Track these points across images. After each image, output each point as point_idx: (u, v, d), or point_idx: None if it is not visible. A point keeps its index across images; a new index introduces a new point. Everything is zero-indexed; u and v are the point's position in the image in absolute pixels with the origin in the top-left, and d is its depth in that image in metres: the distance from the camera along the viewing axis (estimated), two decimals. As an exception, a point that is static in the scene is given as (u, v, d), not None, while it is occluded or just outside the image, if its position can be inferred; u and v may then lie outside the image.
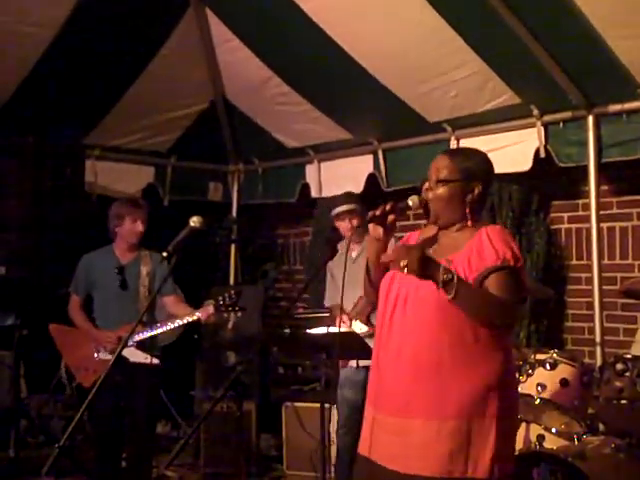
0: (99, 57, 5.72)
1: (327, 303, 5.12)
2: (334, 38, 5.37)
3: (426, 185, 2.84)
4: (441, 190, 2.80)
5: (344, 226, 5.00)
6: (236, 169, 7.34)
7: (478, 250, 2.71)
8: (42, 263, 5.93)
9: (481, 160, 2.91)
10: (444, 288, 2.57)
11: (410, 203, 2.81)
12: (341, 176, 6.42)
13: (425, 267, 2.57)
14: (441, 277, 2.57)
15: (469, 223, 2.81)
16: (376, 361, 2.85)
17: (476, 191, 2.81)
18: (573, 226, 5.63)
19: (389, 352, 2.77)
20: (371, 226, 2.82)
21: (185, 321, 4.84)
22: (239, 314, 4.88)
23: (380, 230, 2.81)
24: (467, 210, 2.80)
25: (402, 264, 2.56)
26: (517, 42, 4.73)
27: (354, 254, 4.92)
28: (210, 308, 4.81)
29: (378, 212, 2.78)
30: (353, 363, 4.86)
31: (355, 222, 4.93)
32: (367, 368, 4.73)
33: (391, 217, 2.79)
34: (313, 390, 5.82)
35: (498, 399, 2.67)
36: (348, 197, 5.16)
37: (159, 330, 4.83)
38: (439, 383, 2.66)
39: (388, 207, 2.78)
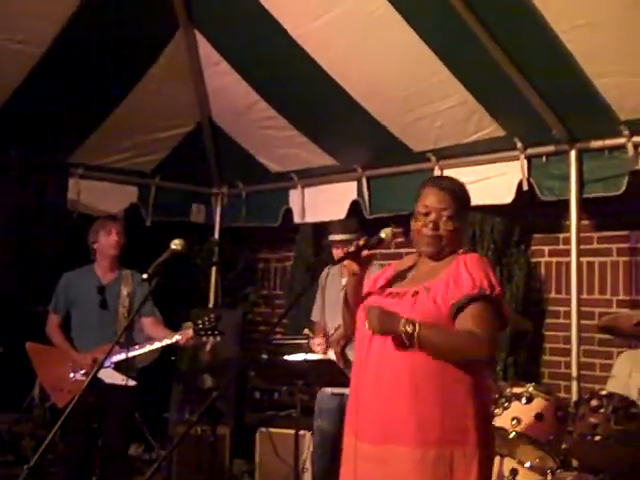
0: (86, 75, 5.72)
1: (313, 317, 5.11)
2: (322, 65, 5.40)
3: (432, 217, 2.83)
4: (454, 225, 2.84)
5: (338, 255, 4.97)
6: (220, 192, 7.34)
7: (455, 278, 2.72)
8: (20, 280, 5.88)
9: (463, 187, 3.01)
10: (407, 340, 2.62)
11: (383, 235, 2.88)
12: (324, 202, 6.44)
13: (384, 323, 2.65)
14: (402, 330, 2.63)
15: (459, 251, 2.85)
16: (355, 389, 2.85)
17: (466, 222, 2.93)
18: (553, 259, 5.64)
19: (367, 379, 2.77)
20: (347, 262, 2.85)
21: (164, 343, 4.82)
22: (218, 338, 4.86)
23: (355, 265, 2.86)
24: (457, 240, 2.87)
25: (366, 325, 2.66)
26: (503, 75, 4.77)
27: (344, 281, 4.92)
28: (190, 332, 4.79)
29: (352, 249, 2.83)
30: (328, 390, 4.84)
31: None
32: (342, 396, 4.78)
33: (365, 252, 2.84)
34: (289, 416, 5.79)
35: (479, 428, 2.68)
36: (345, 226, 5.10)
37: (137, 352, 4.80)
38: (420, 409, 2.66)
39: (361, 242, 2.84)
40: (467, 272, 2.72)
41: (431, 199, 2.86)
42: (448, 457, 2.62)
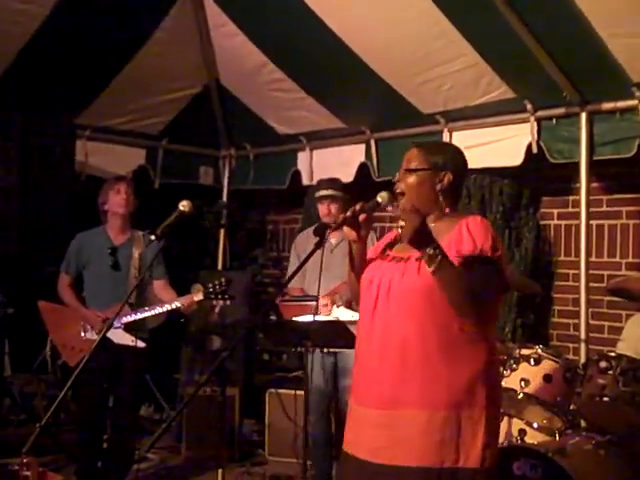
0: (93, 37, 5.67)
1: (291, 284, 5.10)
2: (331, 27, 5.36)
3: (396, 177, 2.86)
4: (410, 179, 2.83)
5: (323, 210, 5.02)
6: (228, 154, 7.32)
7: (457, 240, 2.71)
8: (28, 241, 5.90)
9: (452, 152, 2.96)
10: (427, 260, 2.58)
11: (379, 200, 2.83)
12: (333, 164, 6.41)
13: (419, 236, 2.57)
14: (428, 250, 2.58)
15: (444, 210, 2.83)
16: (360, 356, 2.84)
17: (446, 180, 2.82)
18: (562, 222, 5.65)
19: (372, 344, 2.76)
20: (345, 229, 2.83)
21: (165, 309, 4.83)
22: (228, 302, 4.88)
23: (354, 232, 2.83)
24: (440, 198, 2.83)
25: (400, 225, 2.58)
26: (513, 37, 4.73)
27: (333, 241, 4.94)
28: (192, 298, 4.80)
29: (349, 214, 2.79)
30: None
31: (333, 208, 4.96)
32: (335, 355, 4.80)
33: (362, 217, 2.80)
34: (297, 377, 5.84)
35: (486, 389, 2.68)
36: (331, 182, 5.17)
37: (146, 314, 4.82)
38: (428, 373, 2.65)
39: (358, 207, 2.79)
40: (469, 234, 2.71)
41: (405, 157, 2.89)
42: (455, 419, 2.63)
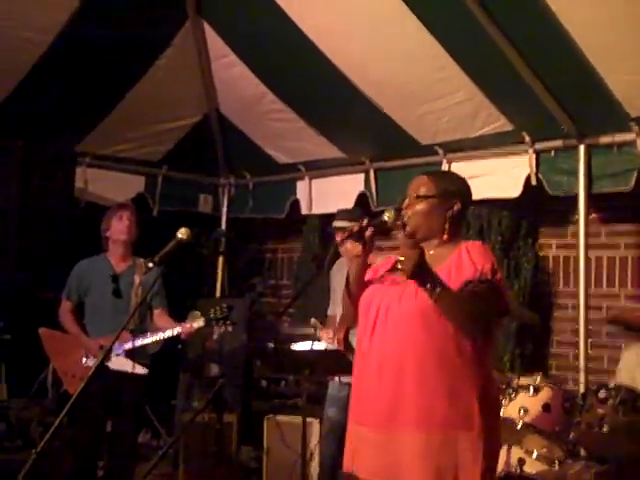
0: (95, 65, 5.72)
1: (330, 312, 5.13)
2: (330, 58, 5.41)
3: (405, 202, 2.88)
4: (420, 206, 2.85)
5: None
6: (227, 182, 7.34)
7: (457, 265, 2.74)
8: (27, 267, 5.90)
9: (459, 181, 3.02)
10: (428, 294, 2.62)
11: (386, 218, 2.85)
12: (332, 194, 6.45)
13: (419, 272, 2.59)
14: (427, 285, 2.61)
15: (445, 237, 2.86)
16: (357, 375, 2.86)
17: (455, 208, 2.88)
18: (561, 253, 5.68)
19: (371, 365, 2.78)
20: (349, 244, 2.86)
21: (167, 335, 4.85)
22: (229, 328, 4.88)
23: (359, 247, 2.85)
24: (446, 225, 2.86)
25: (398, 263, 2.59)
26: (511, 70, 4.78)
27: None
28: (191, 324, 4.81)
29: (355, 229, 2.83)
30: (337, 379, 4.87)
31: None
32: (350, 385, 4.80)
33: (368, 233, 2.82)
34: (295, 405, 5.82)
35: (483, 412, 2.69)
36: (349, 213, 5.15)
37: (147, 340, 4.83)
38: (424, 395, 2.67)
39: (364, 223, 2.83)
40: (469, 259, 2.75)
41: (412, 184, 2.92)
42: (452, 442, 2.63)
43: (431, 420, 2.65)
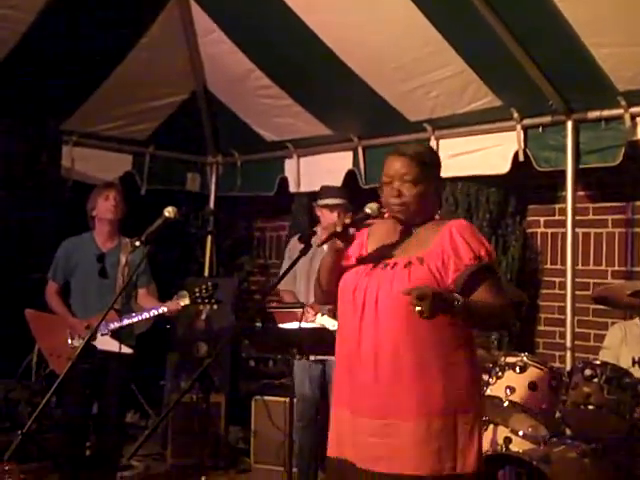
0: (80, 42, 5.65)
1: (281, 286, 5.09)
2: (318, 34, 5.36)
3: (392, 192, 2.80)
4: (414, 190, 2.79)
5: (330, 217, 4.95)
6: (215, 161, 7.31)
7: (454, 249, 2.70)
8: (12, 247, 5.87)
9: (430, 150, 3.01)
10: (456, 314, 2.62)
11: (369, 211, 2.82)
12: (320, 171, 6.41)
13: (439, 308, 2.55)
14: (452, 308, 2.59)
15: (437, 217, 2.85)
16: (346, 364, 2.81)
17: (440, 184, 2.88)
18: (549, 230, 5.67)
19: (363, 354, 2.74)
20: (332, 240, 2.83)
21: (151, 314, 4.82)
22: (215, 306, 4.87)
23: (340, 243, 2.83)
24: (431, 208, 2.85)
25: (417, 310, 2.52)
26: (500, 45, 4.74)
27: (325, 247, 4.92)
28: (176, 303, 4.80)
29: (339, 229, 2.78)
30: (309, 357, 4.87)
31: (333, 217, 4.91)
32: (323, 362, 4.79)
33: (352, 230, 2.80)
34: (283, 384, 5.83)
35: (477, 395, 2.73)
36: (333, 191, 5.13)
37: (133, 319, 4.81)
38: (423, 382, 2.66)
39: (347, 221, 2.79)
40: (464, 241, 2.71)
41: (392, 167, 2.83)
42: (452, 426, 2.65)
43: (430, 407, 2.65)
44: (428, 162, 2.85)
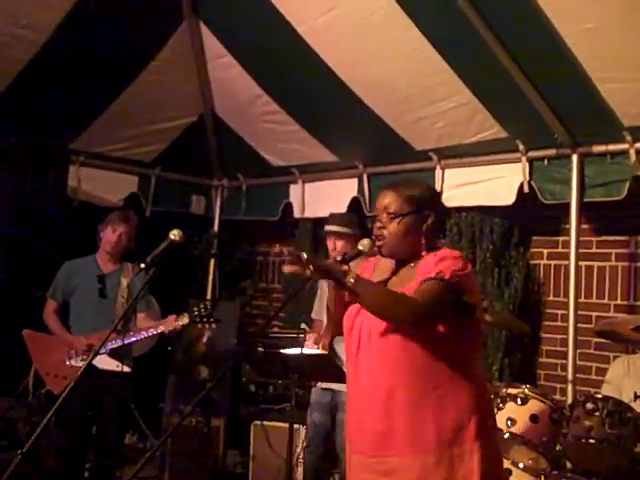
0: (90, 63, 5.70)
1: (313, 315, 5.12)
2: (326, 61, 5.41)
3: (378, 224, 2.83)
4: (395, 225, 2.80)
5: (329, 244, 4.98)
6: (220, 184, 7.34)
7: (424, 271, 2.72)
8: (14, 266, 5.88)
9: (425, 188, 2.96)
10: (341, 284, 2.67)
11: (361, 248, 2.83)
12: (325, 198, 6.44)
13: (320, 266, 2.67)
14: (336, 273, 2.67)
15: (423, 253, 2.82)
16: (351, 401, 2.85)
17: (430, 220, 2.83)
18: (552, 262, 5.65)
19: (360, 390, 2.77)
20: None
21: (150, 333, 4.83)
22: (214, 326, 4.88)
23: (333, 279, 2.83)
24: (423, 240, 2.82)
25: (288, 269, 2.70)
26: (507, 77, 4.77)
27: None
28: (177, 322, 4.79)
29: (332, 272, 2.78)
30: (319, 385, 4.86)
31: (339, 245, 4.90)
32: (332, 391, 4.79)
33: (345, 267, 2.77)
34: (283, 410, 5.80)
35: (476, 421, 2.68)
36: (340, 218, 5.13)
37: (132, 339, 4.81)
38: (415, 419, 2.66)
39: (339, 259, 2.80)
40: (433, 263, 2.71)
41: (380, 201, 2.86)
42: (447, 459, 2.63)
43: (423, 444, 2.65)
44: (417, 197, 2.83)
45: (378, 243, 2.81)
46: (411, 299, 2.65)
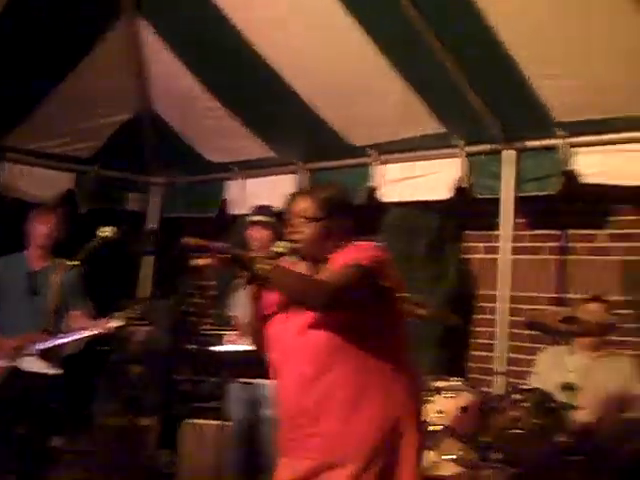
0: (24, 57, 5.58)
1: (230, 312, 5.06)
2: (265, 58, 5.40)
3: (293, 229, 2.81)
4: (311, 229, 2.79)
5: (254, 235, 4.91)
6: (157, 181, 7.27)
7: (340, 260, 2.71)
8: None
9: (339, 191, 2.95)
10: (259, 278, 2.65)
11: (278, 249, 2.79)
12: (263, 194, 6.36)
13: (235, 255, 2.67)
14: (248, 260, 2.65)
15: (337, 255, 2.78)
16: (279, 398, 2.82)
17: (344, 223, 2.83)
18: (486, 256, 5.67)
19: (287, 397, 2.76)
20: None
21: (83, 335, 4.74)
22: (147, 327, 4.81)
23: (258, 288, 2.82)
24: (338, 243, 2.80)
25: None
26: (444, 73, 4.80)
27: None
28: (110, 323, 4.71)
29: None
30: (239, 380, 4.82)
31: (265, 235, 4.85)
32: (253, 385, 4.74)
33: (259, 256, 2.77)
34: (215, 408, 5.73)
35: (409, 417, 2.69)
36: (267, 210, 5.10)
37: (63, 340, 4.71)
38: (347, 416, 2.64)
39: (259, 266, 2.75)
40: (349, 253, 2.71)
41: (294, 205, 2.84)
42: (382, 454, 2.63)
43: (357, 441, 2.63)
44: (332, 201, 2.83)
45: (294, 246, 2.79)
46: (324, 281, 2.64)
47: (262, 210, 5.04)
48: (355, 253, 2.70)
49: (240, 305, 4.90)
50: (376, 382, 2.67)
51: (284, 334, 2.77)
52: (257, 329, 2.91)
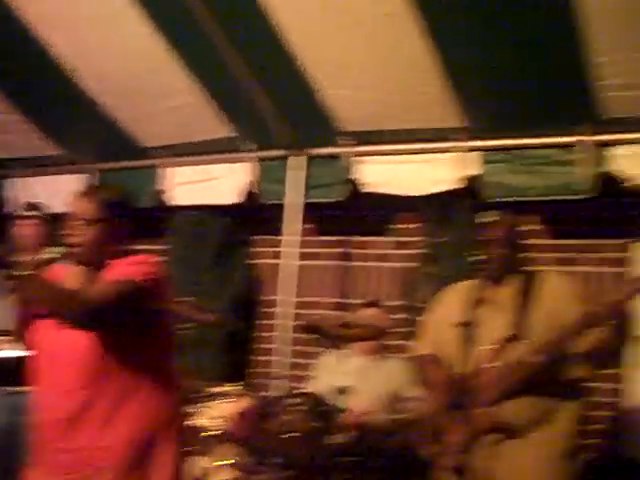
0: None
1: None
2: (53, 50, 5.17)
3: (72, 231, 2.72)
4: (91, 232, 2.71)
5: (25, 232, 4.70)
6: None
7: (115, 273, 2.65)
8: None
9: (120, 193, 2.91)
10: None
11: (52, 255, 2.70)
12: (52, 194, 6.10)
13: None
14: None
15: (117, 260, 2.73)
16: (39, 410, 2.73)
17: (124, 226, 2.79)
18: (272, 262, 5.69)
19: (44, 407, 2.68)
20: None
21: None
22: None
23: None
24: (118, 246, 2.76)
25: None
26: (236, 78, 4.82)
27: None
28: None
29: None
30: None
31: (41, 231, 4.66)
32: (7, 392, 4.55)
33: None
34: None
35: (169, 427, 2.68)
36: (33, 206, 4.91)
37: None
38: (107, 431, 2.59)
39: (35, 265, 2.66)
40: (124, 266, 2.66)
41: (74, 207, 2.77)
42: (142, 464, 2.61)
43: (117, 455, 2.59)
44: (112, 202, 2.77)
45: (72, 250, 2.70)
46: (84, 298, 2.54)
47: (32, 207, 4.85)
48: (130, 267, 2.65)
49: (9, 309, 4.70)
50: (134, 397, 2.63)
51: (50, 341, 2.66)
52: (22, 334, 2.79)
